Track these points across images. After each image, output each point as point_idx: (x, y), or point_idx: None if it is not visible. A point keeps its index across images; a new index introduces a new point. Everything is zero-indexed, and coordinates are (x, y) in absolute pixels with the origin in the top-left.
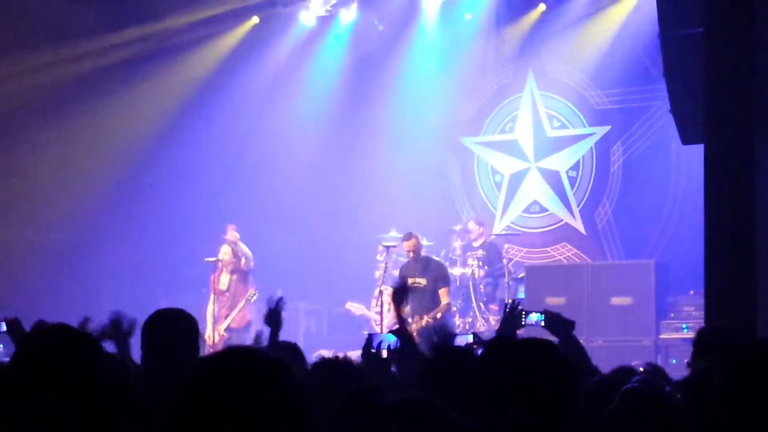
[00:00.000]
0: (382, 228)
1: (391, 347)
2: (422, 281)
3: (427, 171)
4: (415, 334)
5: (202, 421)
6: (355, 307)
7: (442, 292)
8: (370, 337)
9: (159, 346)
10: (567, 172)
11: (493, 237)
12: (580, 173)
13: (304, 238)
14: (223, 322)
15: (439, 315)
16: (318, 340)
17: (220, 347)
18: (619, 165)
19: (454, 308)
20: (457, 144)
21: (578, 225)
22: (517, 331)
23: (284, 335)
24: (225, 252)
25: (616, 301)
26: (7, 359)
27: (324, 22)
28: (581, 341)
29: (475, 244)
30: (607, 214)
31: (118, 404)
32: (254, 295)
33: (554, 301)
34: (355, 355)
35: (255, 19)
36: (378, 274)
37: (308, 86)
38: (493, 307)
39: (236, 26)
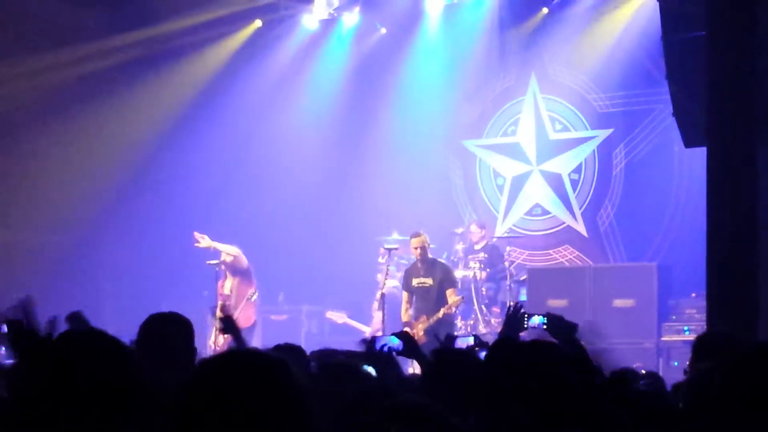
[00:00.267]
0: (384, 230)
1: (394, 350)
2: (428, 281)
3: (430, 173)
4: (421, 333)
5: (203, 422)
6: (335, 316)
7: (449, 292)
8: (374, 339)
9: (154, 349)
10: (569, 174)
11: (495, 240)
12: (582, 176)
13: (306, 241)
14: None
15: (441, 314)
16: (319, 342)
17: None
18: (621, 168)
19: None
20: (460, 147)
21: (580, 228)
22: (520, 334)
23: (286, 337)
24: (227, 254)
25: (618, 303)
26: (8, 362)
27: (327, 26)
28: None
29: (477, 247)
30: (610, 216)
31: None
32: (254, 294)
33: (556, 304)
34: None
35: (258, 23)
36: (380, 276)
37: (311, 89)
38: (495, 309)
39: (239, 29)
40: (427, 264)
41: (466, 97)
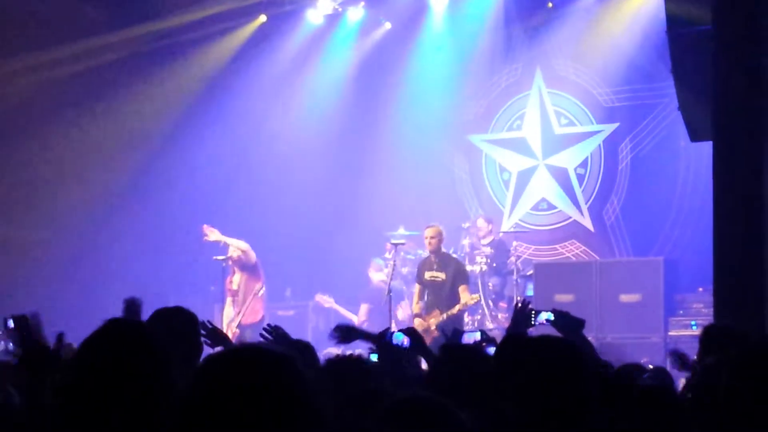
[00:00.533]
0: (391, 226)
1: (401, 345)
2: (440, 275)
3: (435, 168)
4: (433, 327)
5: (209, 417)
6: (323, 299)
7: (462, 288)
8: (385, 332)
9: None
10: (575, 169)
11: (501, 234)
12: (588, 170)
13: (313, 236)
14: (235, 320)
15: (456, 310)
16: (326, 337)
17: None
18: (627, 162)
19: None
20: (465, 142)
21: (586, 222)
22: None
23: (293, 333)
24: (236, 249)
25: (624, 298)
26: (9, 357)
27: (331, 21)
28: (590, 338)
29: (484, 242)
30: (616, 211)
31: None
32: (261, 289)
33: (563, 299)
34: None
35: (262, 18)
36: (387, 271)
37: (315, 84)
38: (502, 304)
39: (243, 24)
40: (441, 258)
41: (472, 92)
